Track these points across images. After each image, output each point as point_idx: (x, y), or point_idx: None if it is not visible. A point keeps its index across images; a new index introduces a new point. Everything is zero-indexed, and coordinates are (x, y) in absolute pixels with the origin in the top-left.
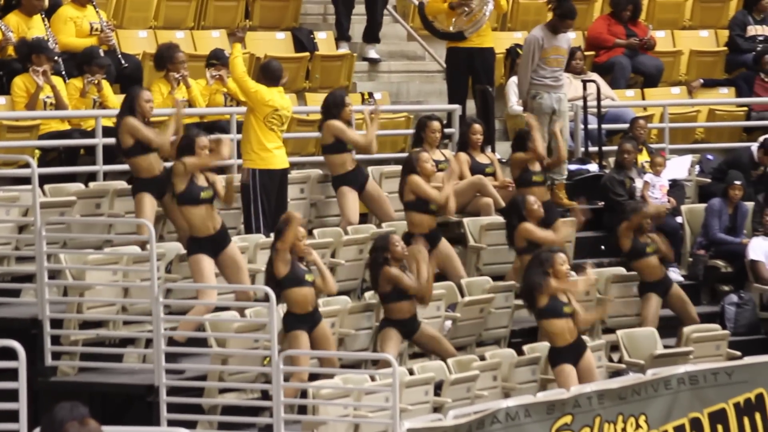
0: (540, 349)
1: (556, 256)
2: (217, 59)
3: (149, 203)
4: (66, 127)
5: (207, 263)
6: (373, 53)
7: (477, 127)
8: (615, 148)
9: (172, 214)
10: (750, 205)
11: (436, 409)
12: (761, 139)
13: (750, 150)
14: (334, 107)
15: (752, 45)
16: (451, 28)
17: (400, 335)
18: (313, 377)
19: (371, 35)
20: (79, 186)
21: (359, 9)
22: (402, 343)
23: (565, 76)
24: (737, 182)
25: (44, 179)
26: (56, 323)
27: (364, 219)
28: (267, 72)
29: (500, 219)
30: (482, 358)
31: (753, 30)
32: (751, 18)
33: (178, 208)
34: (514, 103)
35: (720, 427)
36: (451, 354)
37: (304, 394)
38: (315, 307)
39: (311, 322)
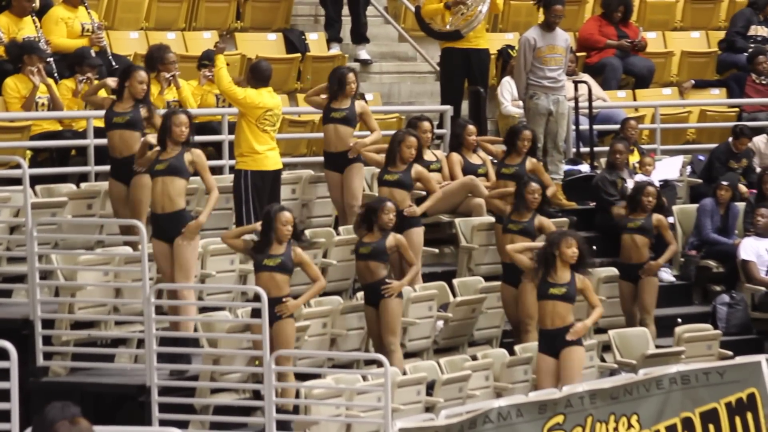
0: (532, 349)
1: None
2: (208, 60)
3: (115, 190)
4: (58, 127)
5: (159, 250)
6: (364, 54)
7: (472, 128)
8: (606, 148)
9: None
10: (741, 205)
11: (428, 408)
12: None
13: (728, 143)
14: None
15: (747, 45)
16: (447, 27)
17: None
18: (305, 377)
19: (358, 35)
20: (70, 187)
21: (345, 10)
22: None
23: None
24: (724, 183)
25: (35, 180)
26: (48, 323)
27: None
28: (256, 72)
29: (492, 219)
30: (474, 358)
31: (754, 30)
32: (755, 18)
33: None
34: (507, 104)
35: (712, 427)
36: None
37: (296, 394)
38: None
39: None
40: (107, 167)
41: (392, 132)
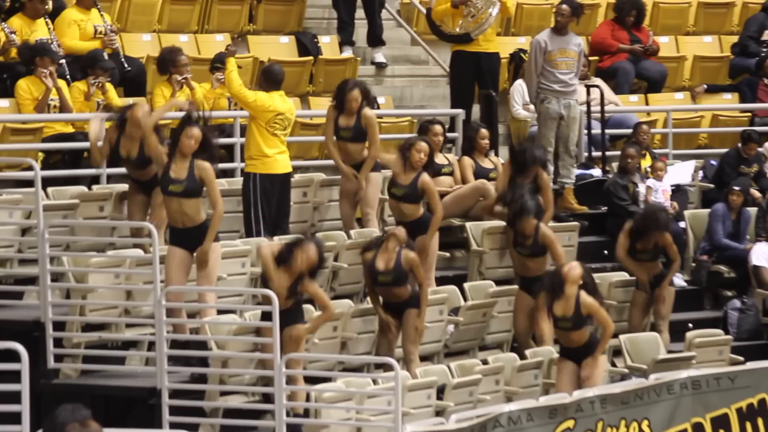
0: (542, 353)
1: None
2: (221, 63)
3: (135, 198)
4: (70, 129)
5: (173, 256)
6: (379, 57)
7: (484, 132)
8: (618, 153)
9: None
10: (753, 210)
11: (439, 412)
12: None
13: (737, 148)
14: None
15: (760, 49)
16: (457, 29)
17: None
18: (316, 381)
19: (374, 38)
20: (82, 189)
21: (359, 14)
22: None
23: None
24: (736, 188)
25: (47, 182)
26: (59, 326)
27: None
28: (269, 76)
29: (503, 223)
30: (485, 362)
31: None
32: None
33: None
34: (518, 107)
35: None
36: None
37: (306, 397)
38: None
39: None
40: (119, 170)
41: (404, 135)
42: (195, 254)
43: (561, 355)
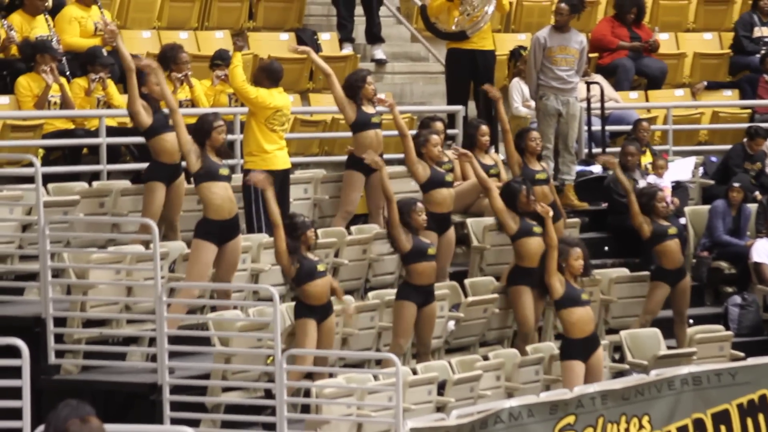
0: (543, 349)
1: (572, 249)
2: (221, 60)
3: (160, 193)
4: (70, 126)
5: (208, 252)
6: (379, 54)
7: (484, 128)
8: (618, 149)
9: (179, 199)
10: (753, 207)
11: (439, 408)
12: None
13: (743, 144)
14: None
15: (757, 47)
16: (453, 27)
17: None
18: (317, 376)
19: (372, 35)
20: (82, 185)
21: (358, 10)
22: None
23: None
24: (736, 184)
25: (48, 178)
26: (59, 322)
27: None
28: (270, 73)
29: None
30: (485, 358)
31: (759, 32)
32: (757, 19)
33: (196, 188)
34: (518, 104)
35: (723, 428)
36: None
37: (307, 393)
38: (328, 300)
39: (322, 313)
40: (119, 166)
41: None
42: (228, 246)
43: (574, 356)
